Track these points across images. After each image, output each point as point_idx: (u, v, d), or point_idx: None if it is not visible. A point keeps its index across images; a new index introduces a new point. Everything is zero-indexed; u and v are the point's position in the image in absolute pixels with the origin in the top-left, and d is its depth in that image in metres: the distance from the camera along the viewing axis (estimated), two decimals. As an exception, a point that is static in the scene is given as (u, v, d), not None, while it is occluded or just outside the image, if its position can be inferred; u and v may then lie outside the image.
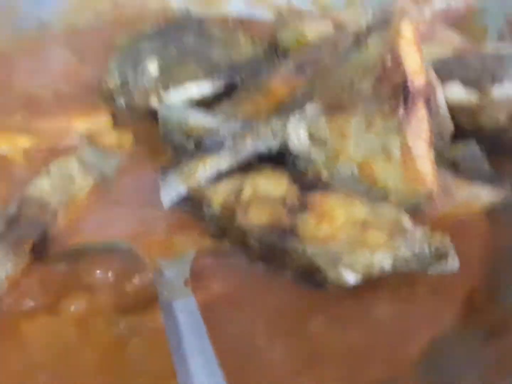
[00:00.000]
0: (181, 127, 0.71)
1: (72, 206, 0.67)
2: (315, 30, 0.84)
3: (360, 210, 0.59)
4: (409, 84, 0.60)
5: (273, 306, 0.59)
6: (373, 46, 0.63)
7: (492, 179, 0.67)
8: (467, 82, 0.70)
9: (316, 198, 0.61)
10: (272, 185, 0.63)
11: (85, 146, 0.75)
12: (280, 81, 0.71)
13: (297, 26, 0.85)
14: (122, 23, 0.98)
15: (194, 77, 0.82)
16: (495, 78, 0.68)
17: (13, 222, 0.62)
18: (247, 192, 0.63)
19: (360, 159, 0.61)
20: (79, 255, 0.62)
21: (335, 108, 0.63)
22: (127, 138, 0.78)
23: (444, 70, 0.69)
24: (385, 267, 0.56)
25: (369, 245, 0.56)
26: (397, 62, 0.61)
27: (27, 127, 0.75)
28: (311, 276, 0.59)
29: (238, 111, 0.73)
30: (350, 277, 0.56)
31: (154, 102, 0.80)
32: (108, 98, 0.84)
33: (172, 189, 0.67)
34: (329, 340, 0.56)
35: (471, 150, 0.69)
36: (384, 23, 0.64)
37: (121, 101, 0.83)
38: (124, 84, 0.83)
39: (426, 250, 0.56)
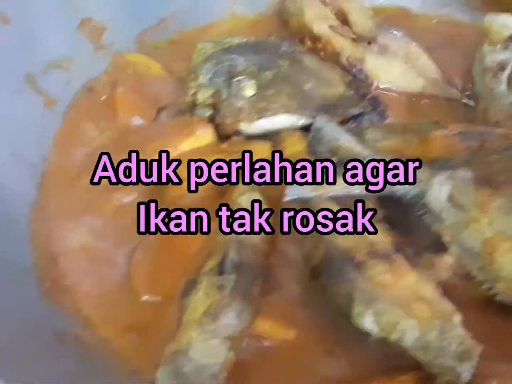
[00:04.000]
0: (329, 143, 0.76)
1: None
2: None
3: (428, 290, 0.60)
4: None
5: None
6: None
7: None
8: None
9: (401, 261, 0.62)
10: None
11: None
12: (442, 137, 0.75)
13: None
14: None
15: (286, 109, 0.81)
16: None
17: (239, 269, 0.63)
18: None
19: (488, 235, 0.63)
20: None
21: (486, 182, 0.66)
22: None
23: None
24: (405, 339, 0.57)
25: (409, 310, 0.57)
26: None
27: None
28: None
29: (387, 141, 0.77)
30: (368, 323, 0.58)
31: (243, 127, 0.80)
32: (189, 107, 0.83)
33: (300, 190, 0.71)
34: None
35: None
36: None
37: (206, 114, 0.81)
38: (215, 98, 0.82)
39: (453, 347, 0.56)
